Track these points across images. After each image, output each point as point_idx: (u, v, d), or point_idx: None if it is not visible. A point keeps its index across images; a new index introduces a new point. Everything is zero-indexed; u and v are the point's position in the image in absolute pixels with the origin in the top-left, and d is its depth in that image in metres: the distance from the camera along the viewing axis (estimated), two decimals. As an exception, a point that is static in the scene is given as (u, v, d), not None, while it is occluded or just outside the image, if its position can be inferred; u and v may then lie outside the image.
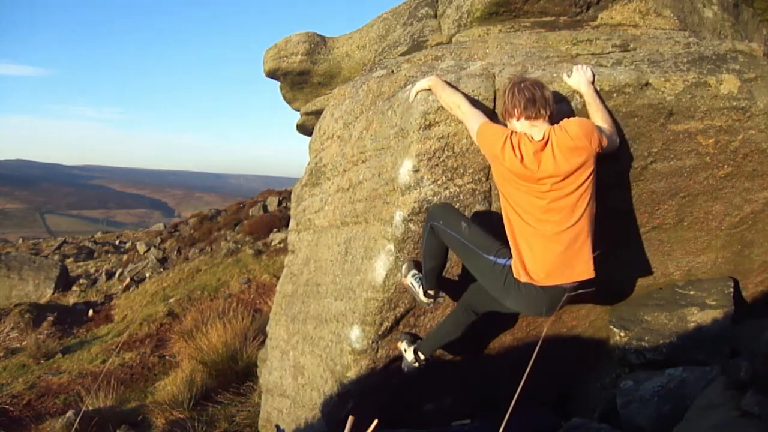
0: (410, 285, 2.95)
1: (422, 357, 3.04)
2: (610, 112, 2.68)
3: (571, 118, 2.47)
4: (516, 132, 2.40)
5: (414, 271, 2.95)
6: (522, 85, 2.41)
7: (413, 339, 3.21)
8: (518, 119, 2.43)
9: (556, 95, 2.68)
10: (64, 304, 14.07)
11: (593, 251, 2.40)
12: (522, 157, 2.32)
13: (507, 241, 2.48)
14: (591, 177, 2.38)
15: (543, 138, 2.35)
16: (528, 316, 3.29)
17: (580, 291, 2.47)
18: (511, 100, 2.42)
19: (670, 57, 2.97)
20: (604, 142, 2.44)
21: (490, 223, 2.73)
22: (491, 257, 2.49)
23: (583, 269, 2.39)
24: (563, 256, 2.35)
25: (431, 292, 2.85)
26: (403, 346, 3.18)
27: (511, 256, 2.45)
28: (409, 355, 3.09)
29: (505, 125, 2.51)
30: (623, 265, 3.44)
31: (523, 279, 2.39)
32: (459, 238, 2.53)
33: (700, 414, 2.30)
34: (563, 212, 2.34)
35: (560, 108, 2.65)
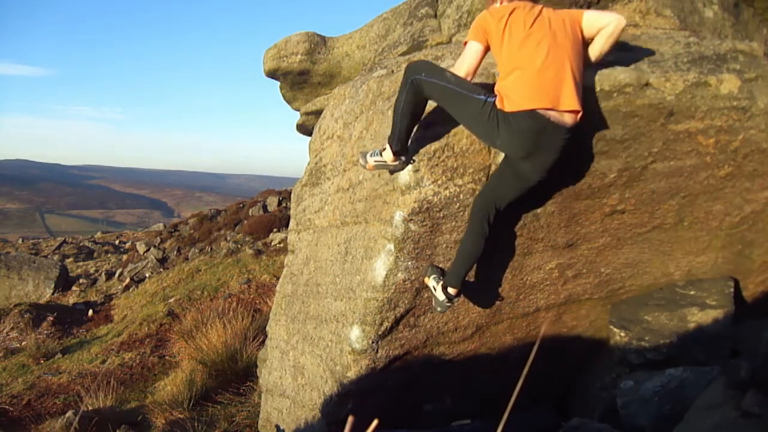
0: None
1: (452, 292, 2.91)
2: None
3: None
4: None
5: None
6: None
7: (441, 273, 3.01)
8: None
9: None
10: (64, 304, 14.05)
11: (579, 95, 2.50)
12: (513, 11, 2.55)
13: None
14: (579, 34, 2.59)
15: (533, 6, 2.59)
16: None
17: (567, 134, 2.52)
18: None
19: (671, 57, 2.97)
20: (588, 18, 2.61)
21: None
22: (480, 96, 2.54)
23: (569, 101, 2.46)
24: (547, 79, 2.44)
25: (403, 158, 2.84)
26: (431, 282, 2.99)
27: (496, 96, 2.54)
28: (440, 294, 2.91)
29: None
30: (623, 265, 3.44)
31: (508, 107, 2.46)
32: (445, 85, 2.56)
33: (700, 414, 2.30)
34: (547, 41, 2.47)
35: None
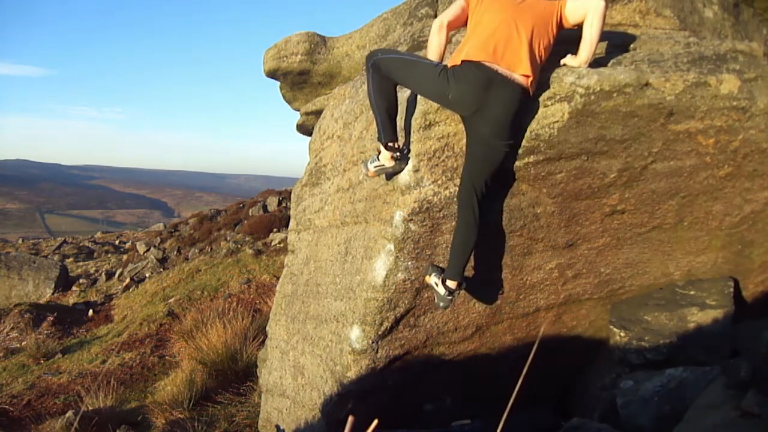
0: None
1: (452, 285, 2.91)
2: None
3: None
4: None
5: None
6: None
7: (441, 272, 3.01)
8: None
9: None
10: (64, 304, 14.04)
11: (534, 71, 2.62)
12: None
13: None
14: (555, 20, 2.72)
15: None
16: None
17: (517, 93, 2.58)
18: None
19: (670, 57, 2.96)
20: (570, 5, 2.73)
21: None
22: (433, 62, 2.74)
23: (520, 64, 2.58)
24: (498, 40, 2.59)
25: (398, 154, 2.86)
26: (432, 279, 3.01)
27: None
28: (440, 289, 2.93)
29: None
30: (623, 265, 3.44)
31: (456, 61, 2.61)
32: (398, 57, 2.83)
33: (700, 414, 2.30)
34: (510, 13, 2.64)
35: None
